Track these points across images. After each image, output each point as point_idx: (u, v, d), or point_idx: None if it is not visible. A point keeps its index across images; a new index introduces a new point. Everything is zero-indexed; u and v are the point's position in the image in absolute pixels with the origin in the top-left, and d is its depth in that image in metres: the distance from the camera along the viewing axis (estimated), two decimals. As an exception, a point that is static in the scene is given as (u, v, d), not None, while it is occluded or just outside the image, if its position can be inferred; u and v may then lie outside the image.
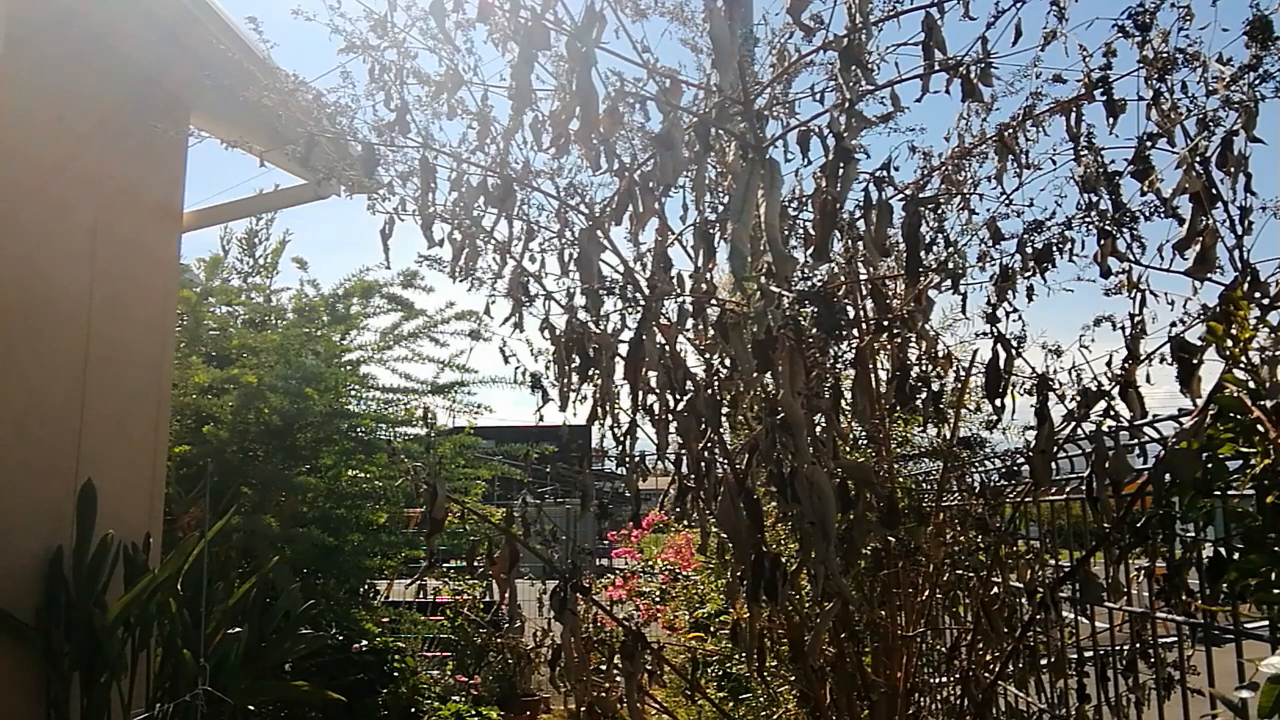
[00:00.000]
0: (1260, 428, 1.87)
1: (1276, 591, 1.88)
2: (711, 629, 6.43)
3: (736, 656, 4.97)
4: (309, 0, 2.57)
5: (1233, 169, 2.15)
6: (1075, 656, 2.86)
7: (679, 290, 2.69)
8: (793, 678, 3.68)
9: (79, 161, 4.54)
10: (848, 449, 3.11)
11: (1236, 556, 2.01)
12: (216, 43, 4.06)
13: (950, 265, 2.62)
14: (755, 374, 2.25)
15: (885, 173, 2.39)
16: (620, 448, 2.88)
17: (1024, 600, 2.88)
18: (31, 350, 4.15)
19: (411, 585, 8.26)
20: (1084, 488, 2.33)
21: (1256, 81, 2.11)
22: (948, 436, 3.14)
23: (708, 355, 2.80)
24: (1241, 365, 1.97)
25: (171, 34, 4.42)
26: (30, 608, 3.98)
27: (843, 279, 2.79)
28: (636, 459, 2.91)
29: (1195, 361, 2.11)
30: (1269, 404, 1.84)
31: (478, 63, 2.62)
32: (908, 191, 2.59)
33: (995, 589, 2.96)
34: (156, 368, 5.08)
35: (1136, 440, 2.41)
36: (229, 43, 4.09)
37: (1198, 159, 2.17)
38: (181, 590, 4.53)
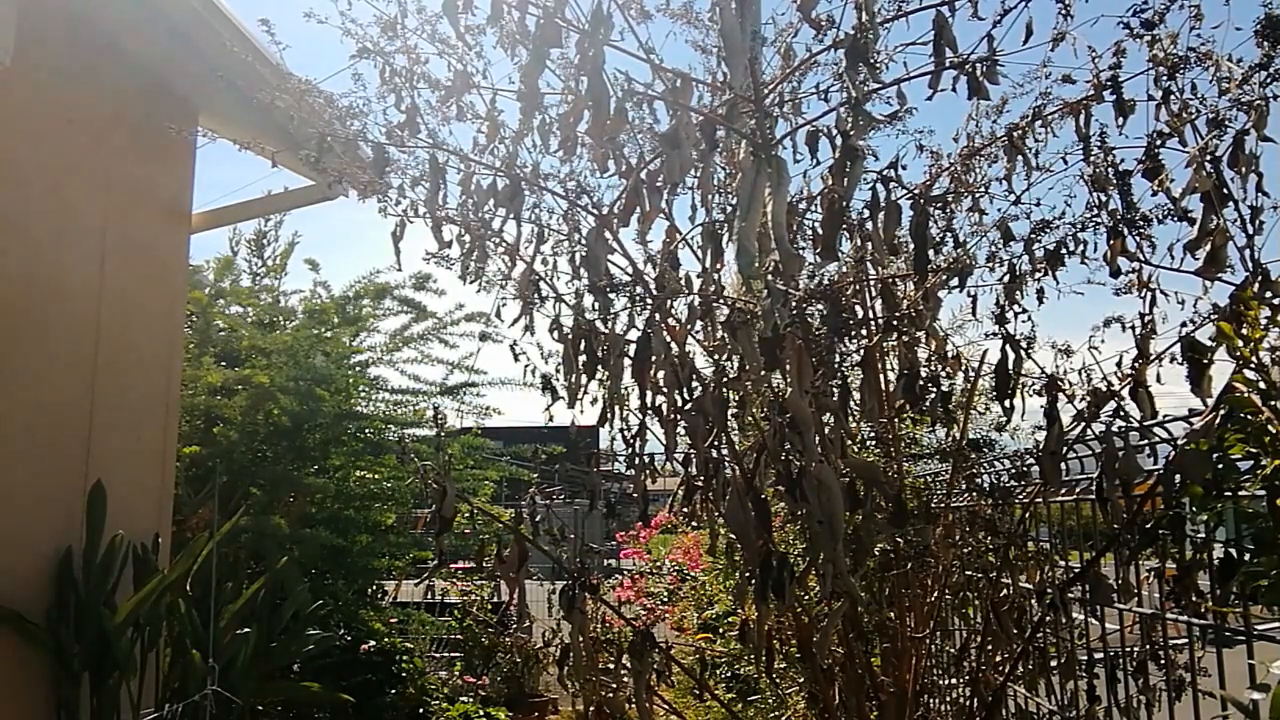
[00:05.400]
0: (1271, 428, 1.86)
1: (1288, 592, 1.87)
2: (720, 630, 6.42)
3: (745, 657, 4.96)
4: (320, 3, 2.58)
5: (1244, 168, 2.14)
6: (1085, 658, 2.85)
7: (687, 290, 2.69)
8: (801, 678, 3.67)
9: (88, 163, 4.56)
10: (856, 448, 3.10)
11: (1247, 558, 2.00)
12: (227, 45, 4.07)
13: (959, 264, 2.61)
14: (762, 372, 2.25)
15: (893, 172, 2.39)
16: (629, 448, 2.89)
17: (1034, 601, 2.88)
18: (41, 351, 4.17)
19: (420, 585, 8.26)
20: (1094, 488, 2.32)
21: (1267, 80, 2.10)
22: (957, 437, 3.13)
23: (716, 356, 2.81)
24: (1252, 365, 1.96)
25: (181, 36, 4.44)
26: (40, 608, 3.99)
27: (852, 278, 2.79)
28: (645, 459, 2.91)
29: (1206, 361, 2.10)
30: (1280, 404, 1.84)
31: (486, 66, 2.63)
32: (916, 191, 2.58)
33: (1005, 590, 2.95)
34: (166, 368, 5.09)
35: (1147, 441, 2.40)
36: (239, 45, 4.10)
37: (1208, 158, 2.16)
38: (190, 591, 4.55)
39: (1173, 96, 2.27)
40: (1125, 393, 2.34)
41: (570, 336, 2.76)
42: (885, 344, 2.91)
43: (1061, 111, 2.47)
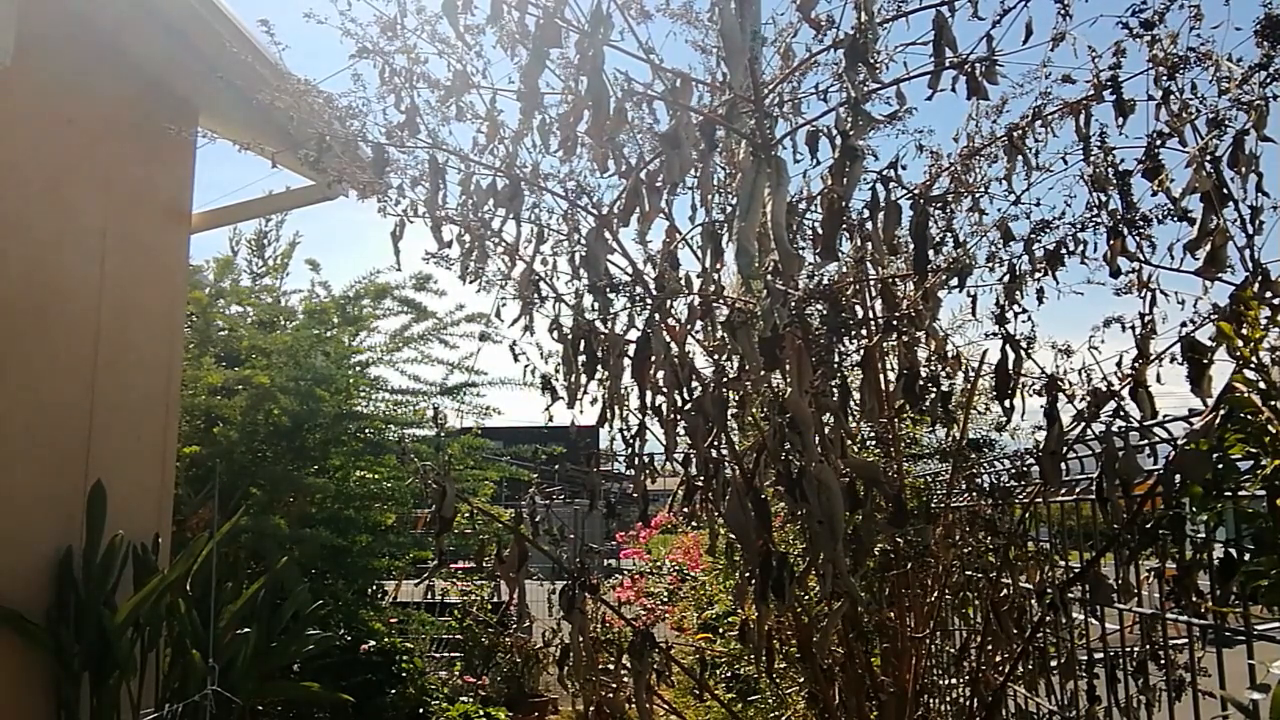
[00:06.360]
0: (1271, 428, 1.86)
1: (1288, 592, 1.87)
2: (720, 630, 6.42)
3: (745, 657, 4.96)
4: (320, 3, 2.58)
5: (1244, 168, 2.14)
6: (1085, 658, 2.85)
7: (687, 290, 2.69)
8: (801, 678, 3.67)
9: (88, 163, 4.56)
10: (856, 448, 3.11)
11: (1247, 558, 2.00)
12: (227, 45, 4.07)
13: (959, 264, 2.61)
14: (762, 372, 2.25)
15: (893, 172, 2.40)
16: (629, 448, 2.89)
17: (1034, 601, 2.88)
18: (41, 351, 4.17)
19: (420, 585, 8.27)
20: (1094, 488, 2.32)
21: (1267, 80, 2.10)
22: (957, 437, 3.13)
23: (716, 356, 2.81)
24: (1252, 365, 1.96)
25: (181, 37, 4.44)
26: (40, 608, 3.99)
27: (852, 278, 2.79)
28: (645, 459, 2.91)
29: (1206, 361, 2.10)
30: (1280, 404, 1.84)
31: (486, 66, 2.64)
32: (916, 191, 2.58)
33: (1005, 590, 2.95)
34: (166, 369, 5.09)
35: (1147, 441, 2.40)
36: (239, 46, 4.10)
37: (1208, 158, 2.16)
38: (190, 591, 4.55)
39: (1173, 96, 2.27)
40: (1125, 393, 2.34)
41: (570, 336, 2.76)
42: (885, 344, 2.91)
43: (1061, 111, 2.46)
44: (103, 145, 4.63)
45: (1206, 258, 2.17)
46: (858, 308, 2.81)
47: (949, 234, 2.77)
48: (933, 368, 2.87)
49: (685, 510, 2.87)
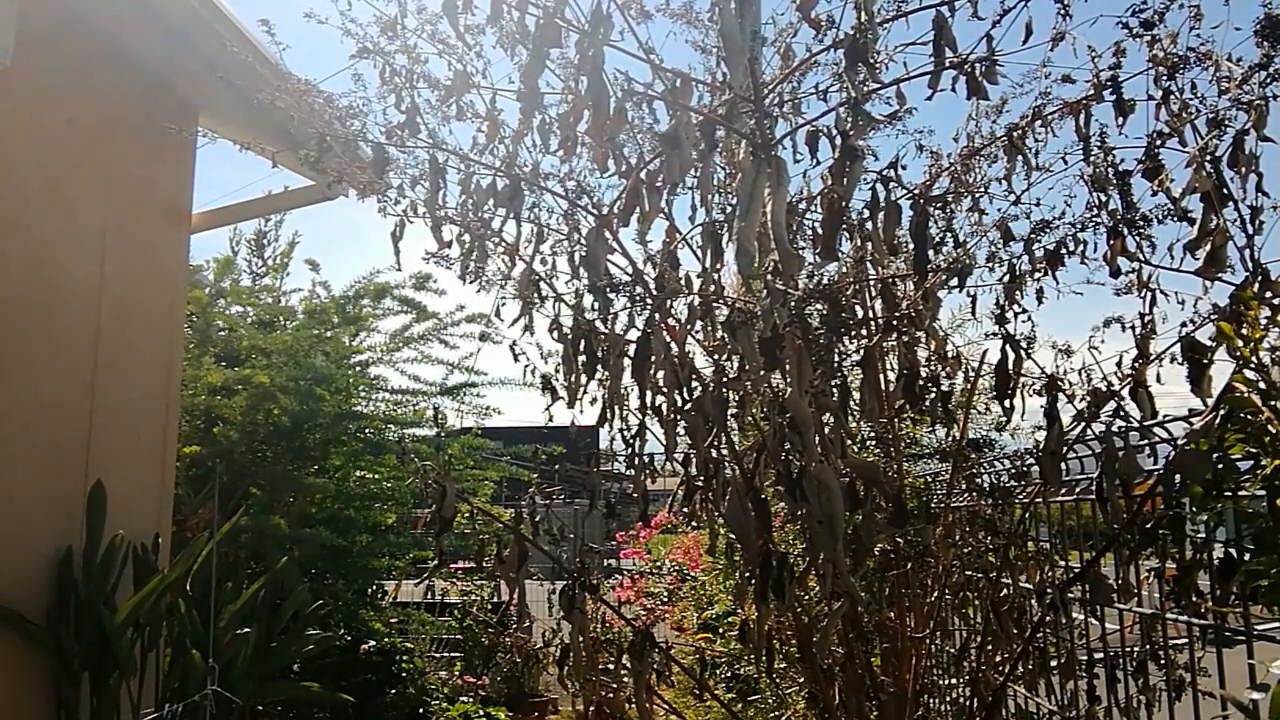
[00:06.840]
0: (1271, 428, 1.86)
1: (1288, 592, 1.87)
2: (720, 630, 6.42)
3: (745, 657, 4.96)
4: (320, 3, 2.58)
5: (1244, 168, 2.14)
6: (1085, 658, 2.85)
7: (687, 290, 2.69)
8: (801, 678, 3.67)
9: (89, 163, 4.56)
10: (856, 448, 3.11)
11: (1247, 558, 2.01)
12: (227, 45, 4.07)
13: (959, 264, 2.61)
14: (762, 372, 2.25)
15: (893, 172, 2.40)
16: (629, 448, 2.89)
17: (1033, 601, 2.88)
18: (41, 351, 4.17)
19: (420, 585, 8.26)
20: (1094, 488, 2.32)
21: (1267, 80, 2.10)
22: (957, 437, 3.14)
23: (716, 356, 2.81)
24: (1252, 365, 1.96)
25: (181, 36, 4.43)
26: (40, 608, 3.99)
27: (852, 278, 2.79)
28: (645, 459, 2.92)
29: (1206, 361, 2.10)
30: (1280, 404, 1.84)
31: (486, 66, 2.64)
32: (916, 191, 2.58)
33: (1005, 590, 2.95)
34: (166, 368, 5.09)
35: (1147, 441, 2.40)
36: (240, 46, 4.10)
37: (1208, 158, 2.16)
38: (190, 591, 4.55)
39: (1173, 96, 2.27)
40: (1125, 393, 2.34)
41: (570, 336, 2.76)
42: (885, 344, 2.91)
43: (1061, 111, 2.47)
44: (103, 145, 4.63)
45: (1206, 258, 2.17)
46: (858, 308, 2.81)
47: (949, 234, 2.78)
48: (933, 368, 2.87)
49: (685, 510, 2.87)
